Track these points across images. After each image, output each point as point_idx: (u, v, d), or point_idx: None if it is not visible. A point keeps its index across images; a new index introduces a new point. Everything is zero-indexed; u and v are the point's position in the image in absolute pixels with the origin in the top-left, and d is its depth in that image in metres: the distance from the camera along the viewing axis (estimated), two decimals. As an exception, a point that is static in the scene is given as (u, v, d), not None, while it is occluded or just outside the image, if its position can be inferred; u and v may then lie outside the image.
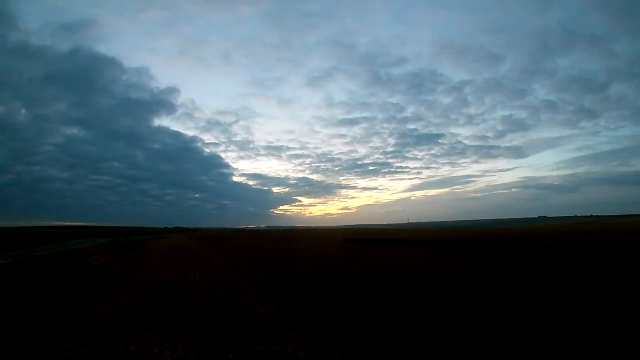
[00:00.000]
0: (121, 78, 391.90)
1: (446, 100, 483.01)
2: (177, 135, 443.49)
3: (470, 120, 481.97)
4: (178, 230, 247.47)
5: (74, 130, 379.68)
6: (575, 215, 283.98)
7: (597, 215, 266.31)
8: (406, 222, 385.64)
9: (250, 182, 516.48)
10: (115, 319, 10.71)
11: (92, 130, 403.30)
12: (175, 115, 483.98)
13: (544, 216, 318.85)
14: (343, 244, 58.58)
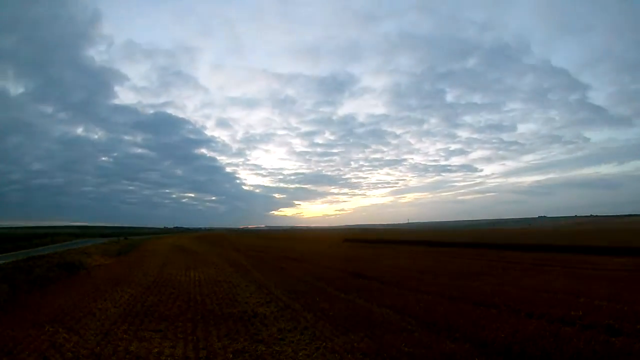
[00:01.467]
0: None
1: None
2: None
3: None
4: (178, 231, 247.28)
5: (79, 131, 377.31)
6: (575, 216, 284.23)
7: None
8: (406, 222, 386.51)
9: (252, 183, 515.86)
10: (116, 319, 10.73)
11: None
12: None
13: (544, 216, 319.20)
14: (342, 244, 58.60)
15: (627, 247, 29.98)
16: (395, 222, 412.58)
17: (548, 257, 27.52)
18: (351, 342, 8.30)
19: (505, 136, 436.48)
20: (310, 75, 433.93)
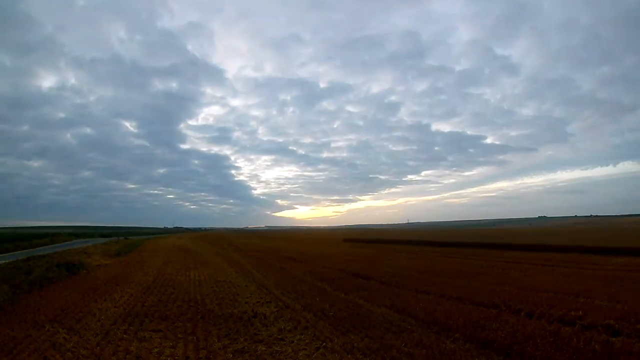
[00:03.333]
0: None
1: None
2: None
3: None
4: (178, 230, 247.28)
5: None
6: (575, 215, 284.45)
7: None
8: (406, 222, 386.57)
9: (252, 183, 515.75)
10: (116, 319, 10.73)
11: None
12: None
13: (544, 216, 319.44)
14: (342, 244, 58.61)
15: (627, 247, 29.99)
16: (395, 222, 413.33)
17: (548, 257, 27.54)
18: (351, 342, 8.30)
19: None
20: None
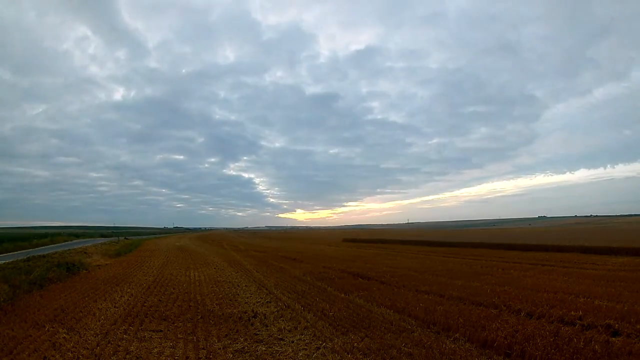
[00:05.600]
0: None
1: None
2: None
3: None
4: (178, 231, 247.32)
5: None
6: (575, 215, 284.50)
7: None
8: (406, 222, 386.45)
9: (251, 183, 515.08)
10: (116, 319, 10.72)
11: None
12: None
13: (544, 216, 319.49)
14: (341, 244, 58.61)
15: (627, 247, 30.01)
16: (395, 222, 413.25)
17: (548, 257, 27.57)
18: (351, 342, 8.30)
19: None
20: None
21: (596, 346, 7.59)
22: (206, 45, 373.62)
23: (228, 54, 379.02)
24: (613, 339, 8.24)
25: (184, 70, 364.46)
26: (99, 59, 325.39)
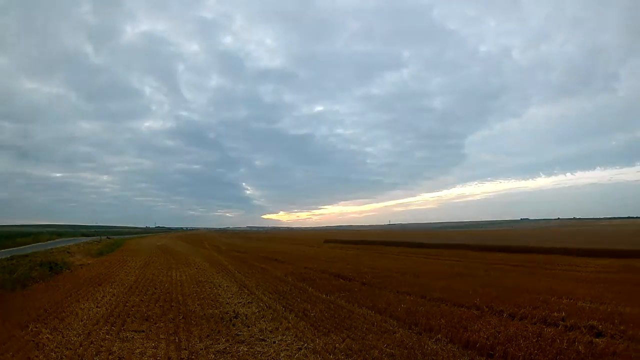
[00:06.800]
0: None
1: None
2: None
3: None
4: (160, 230, 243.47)
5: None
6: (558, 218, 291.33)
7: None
8: (387, 223, 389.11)
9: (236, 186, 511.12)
10: (98, 319, 10.81)
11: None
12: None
13: (527, 218, 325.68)
14: (323, 245, 58.75)
15: (608, 249, 30.61)
16: (376, 224, 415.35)
17: (530, 259, 28.12)
18: (333, 343, 8.42)
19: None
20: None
21: (580, 347, 7.69)
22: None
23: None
24: (597, 339, 8.32)
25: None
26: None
